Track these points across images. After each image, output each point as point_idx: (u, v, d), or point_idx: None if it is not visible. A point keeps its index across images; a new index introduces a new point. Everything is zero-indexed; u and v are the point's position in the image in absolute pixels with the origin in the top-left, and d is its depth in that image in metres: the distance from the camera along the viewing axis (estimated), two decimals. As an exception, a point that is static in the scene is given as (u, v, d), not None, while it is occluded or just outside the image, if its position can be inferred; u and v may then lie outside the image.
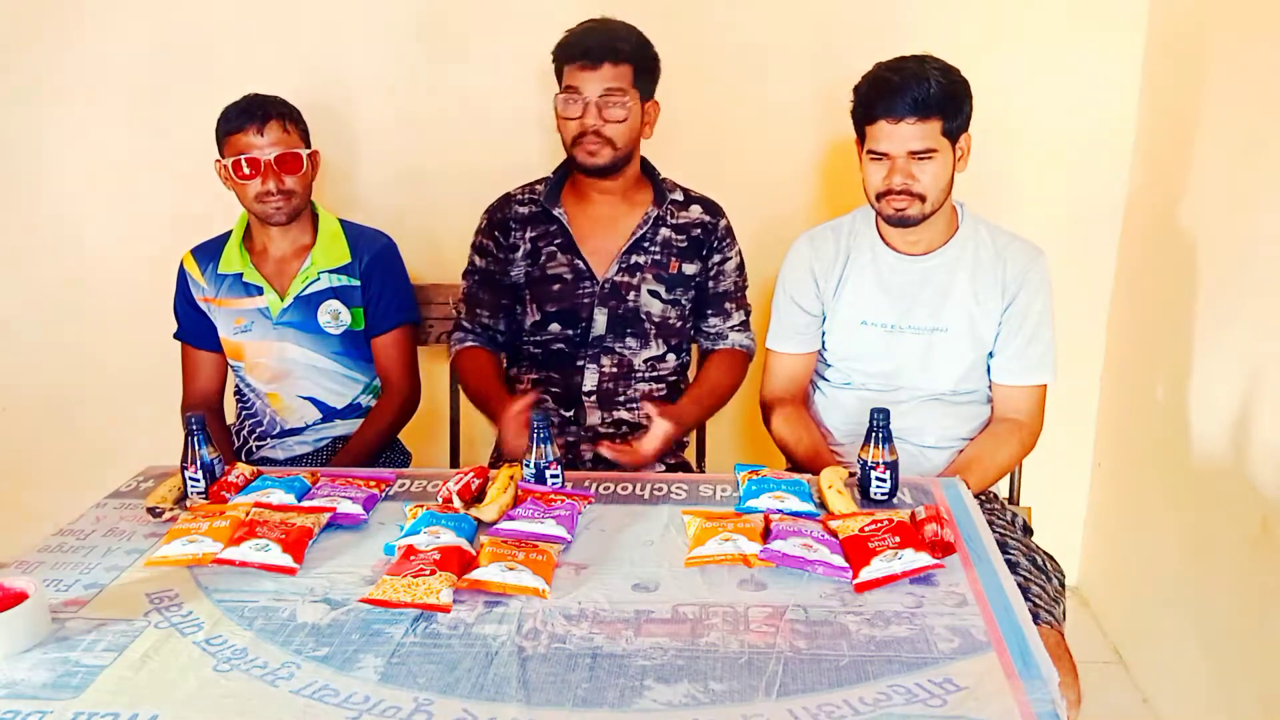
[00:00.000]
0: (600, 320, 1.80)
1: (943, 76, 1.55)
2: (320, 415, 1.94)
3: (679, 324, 1.86)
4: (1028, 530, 1.75)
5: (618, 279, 1.80)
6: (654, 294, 1.81)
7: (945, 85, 1.55)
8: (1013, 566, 1.49)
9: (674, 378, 1.88)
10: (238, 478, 1.49)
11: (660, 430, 1.65)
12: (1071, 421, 2.32)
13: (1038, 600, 1.51)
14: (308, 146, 1.85)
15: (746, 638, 1.08)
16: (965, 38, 2.07)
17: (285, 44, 2.23)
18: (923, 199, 1.60)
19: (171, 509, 1.42)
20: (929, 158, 1.57)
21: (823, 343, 1.81)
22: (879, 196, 1.63)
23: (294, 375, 1.91)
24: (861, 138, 1.63)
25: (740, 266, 1.89)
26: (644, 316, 1.81)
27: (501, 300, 1.86)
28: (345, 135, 2.24)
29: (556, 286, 1.81)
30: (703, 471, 2.01)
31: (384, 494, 1.48)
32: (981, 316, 1.69)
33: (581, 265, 1.80)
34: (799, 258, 1.79)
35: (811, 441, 1.75)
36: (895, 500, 1.42)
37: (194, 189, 2.13)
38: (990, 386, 1.75)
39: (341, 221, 1.94)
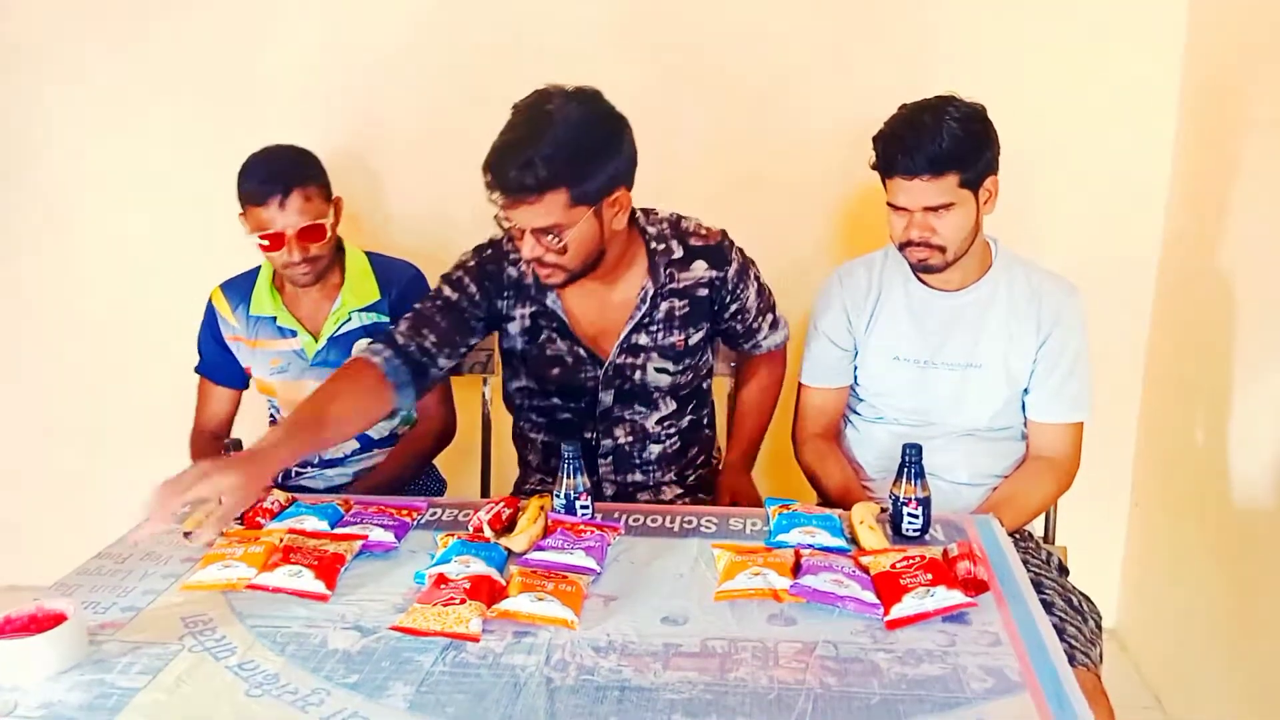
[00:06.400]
0: (606, 399, 1.71)
1: (960, 128, 1.53)
2: (358, 445, 1.95)
3: (692, 381, 1.77)
4: (1063, 570, 1.72)
5: (621, 361, 1.68)
6: (661, 370, 1.70)
7: (961, 138, 1.53)
8: (1048, 606, 1.46)
9: (688, 423, 1.81)
10: (272, 504, 1.51)
11: (726, 497, 1.79)
12: (1108, 460, 2.29)
13: (1073, 641, 1.48)
14: (329, 198, 1.80)
15: (776, 673, 1.08)
16: (994, 71, 2.08)
17: (318, 80, 2.28)
18: (943, 250, 1.60)
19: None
20: (947, 210, 1.56)
21: (855, 378, 1.81)
22: (901, 246, 1.63)
23: None
24: (885, 186, 1.64)
25: (760, 290, 1.76)
26: (653, 390, 1.72)
27: (456, 339, 1.62)
28: (374, 169, 2.28)
29: (556, 370, 1.69)
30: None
31: (415, 522, 1.49)
32: (1015, 353, 1.68)
33: (582, 352, 1.67)
34: (831, 293, 1.79)
35: (843, 477, 1.75)
36: (927, 537, 1.41)
37: (230, 222, 2.19)
38: (1025, 424, 1.73)
39: (369, 255, 1.93)
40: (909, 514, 1.39)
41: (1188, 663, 2.08)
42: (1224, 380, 1.90)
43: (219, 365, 1.94)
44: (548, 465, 1.79)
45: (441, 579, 1.25)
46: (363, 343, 1.70)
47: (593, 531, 1.39)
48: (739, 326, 1.76)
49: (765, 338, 1.82)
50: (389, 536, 1.40)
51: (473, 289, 1.64)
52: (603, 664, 1.10)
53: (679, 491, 1.83)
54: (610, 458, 1.75)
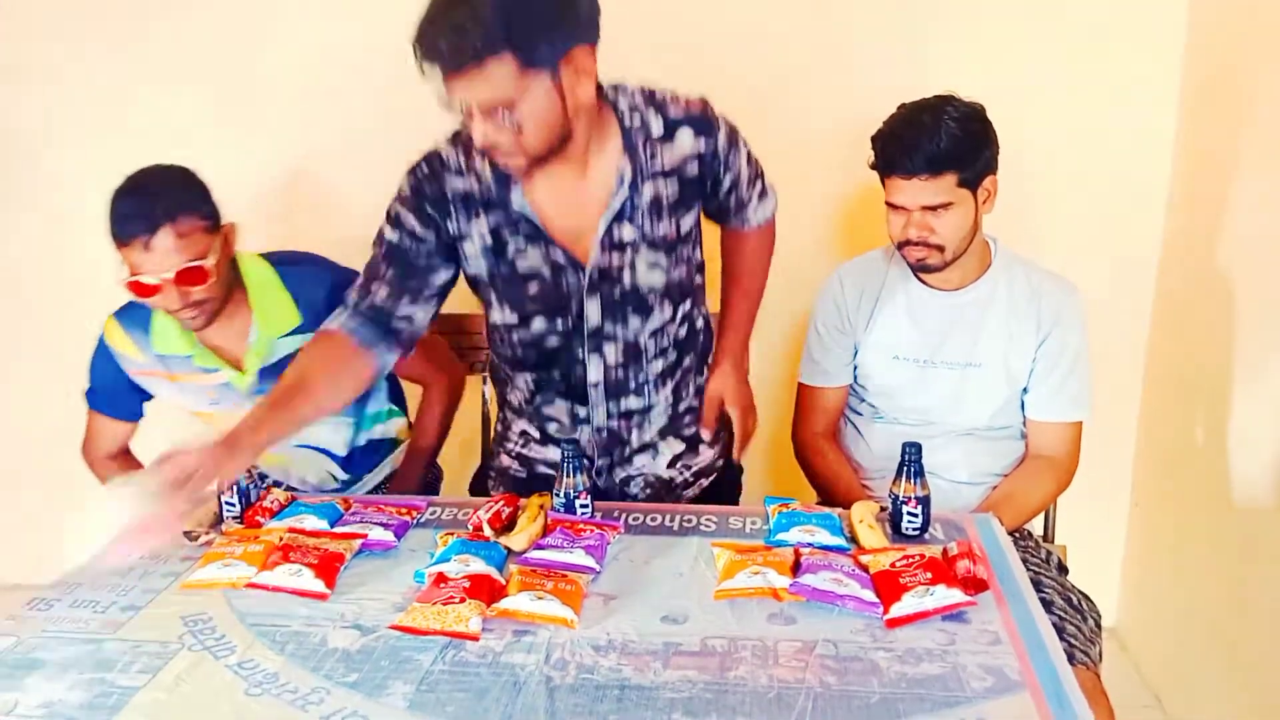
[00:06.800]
0: (594, 311, 1.49)
1: (959, 127, 1.53)
2: (340, 467, 1.81)
3: (686, 271, 1.55)
4: (1063, 569, 1.72)
5: (605, 263, 1.46)
6: (654, 265, 1.48)
7: (959, 137, 1.53)
8: (1047, 605, 1.46)
9: (683, 329, 1.60)
10: (272, 503, 1.51)
11: (715, 399, 1.62)
12: (1108, 460, 2.29)
13: (1073, 640, 1.48)
14: (215, 229, 1.54)
15: (775, 672, 1.08)
16: (994, 70, 2.08)
17: (318, 79, 2.28)
18: (941, 249, 1.60)
19: (207, 533, 1.44)
20: (945, 210, 1.57)
21: (855, 377, 1.81)
22: (899, 245, 1.64)
23: None
24: (883, 185, 1.64)
25: (749, 156, 1.55)
26: (647, 292, 1.50)
27: (410, 283, 1.46)
28: (376, 169, 2.27)
29: (534, 287, 1.48)
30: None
31: (415, 521, 1.49)
32: (1015, 352, 1.68)
33: (560, 258, 1.45)
34: (831, 292, 1.79)
35: (843, 475, 1.75)
36: (927, 536, 1.41)
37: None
38: (1024, 423, 1.74)
39: (273, 263, 1.66)
40: (908, 513, 1.39)
41: (1187, 662, 2.08)
42: (1224, 379, 1.90)
43: (116, 398, 1.72)
44: (532, 403, 1.62)
45: (441, 578, 1.25)
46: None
47: (592, 530, 1.39)
48: (731, 201, 1.56)
49: (755, 210, 1.61)
50: (388, 535, 1.40)
51: (412, 222, 1.44)
52: (602, 663, 1.10)
53: (680, 449, 1.66)
54: (600, 385, 1.55)
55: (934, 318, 1.71)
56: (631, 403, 1.59)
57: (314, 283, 1.65)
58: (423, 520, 1.50)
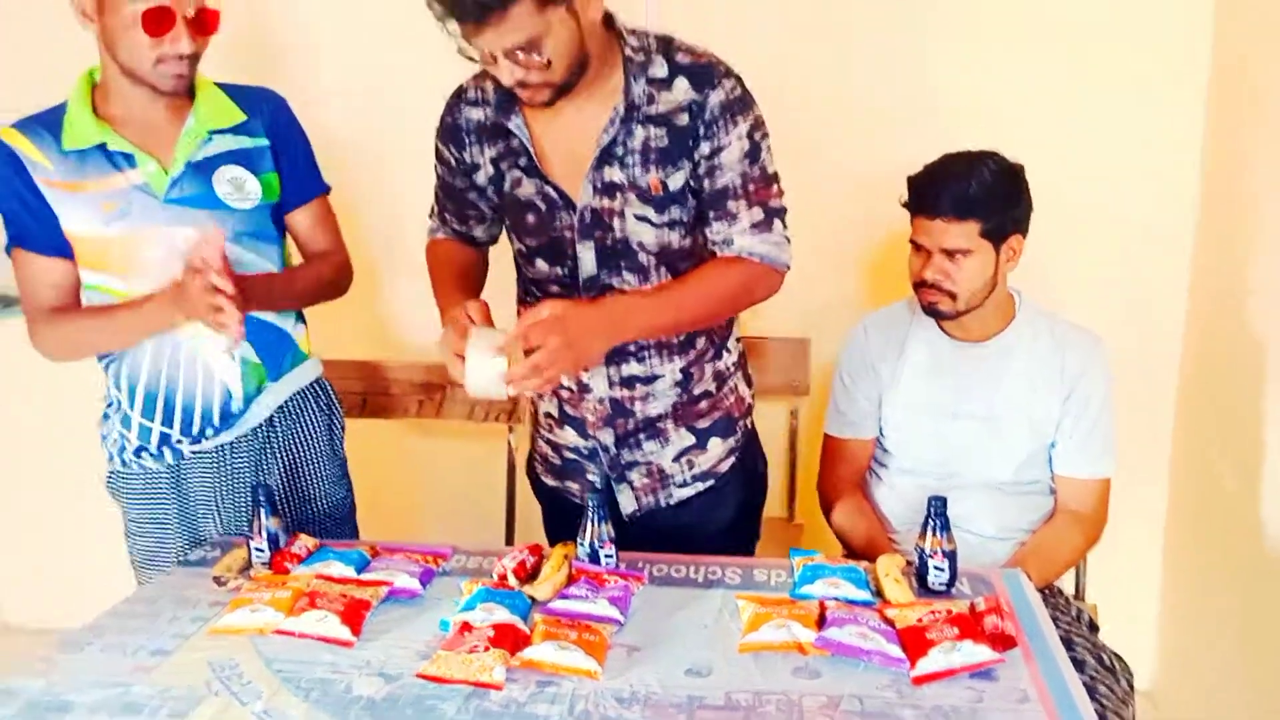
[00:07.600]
0: (587, 257, 1.47)
1: (992, 178, 1.56)
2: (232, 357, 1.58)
3: (687, 243, 1.48)
4: (1094, 627, 1.69)
5: (596, 205, 1.44)
6: (642, 219, 1.44)
7: (990, 185, 1.55)
8: (1078, 665, 1.44)
9: None
10: (300, 549, 1.52)
11: (536, 314, 1.29)
12: (1139, 515, 2.25)
13: (1105, 701, 1.45)
14: None
15: (800, 728, 1.07)
16: (1019, 125, 2.09)
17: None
18: (953, 296, 1.61)
19: (236, 578, 1.45)
20: (964, 256, 1.58)
21: (880, 429, 1.80)
22: (916, 286, 1.65)
23: None
24: (912, 225, 1.66)
25: (752, 152, 1.41)
26: (636, 247, 1.46)
27: (463, 210, 1.59)
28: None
29: (532, 218, 1.48)
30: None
31: (440, 569, 1.49)
32: (1040, 405, 1.67)
33: (552, 192, 1.45)
34: (856, 344, 1.80)
35: (869, 529, 1.74)
36: (954, 590, 1.39)
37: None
38: (1053, 478, 1.72)
39: (218, 84, 1.59)
40: (935, 567, 1.38)
41: (1225, 725, 2.03)
42: (1254, 431, 1.87)
43: (41, 225, 1.48)
44: None
45: (466, 626, 1.26)
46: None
47: (617, 581, 1.39)
48: (706, 186, 1.42)
49: (741, 232, 1.43)
50: (414, 583, 1.41)
51: (446, 155, 1.54)
52: (626, 715, 1.10)
53: (690, 443, 1.58)
54: None
55: (957, 369, 1.71)
56: (634, 369, 1.54)
57: (261, 97, 1.62)
58: (448, 569, 1.51)
